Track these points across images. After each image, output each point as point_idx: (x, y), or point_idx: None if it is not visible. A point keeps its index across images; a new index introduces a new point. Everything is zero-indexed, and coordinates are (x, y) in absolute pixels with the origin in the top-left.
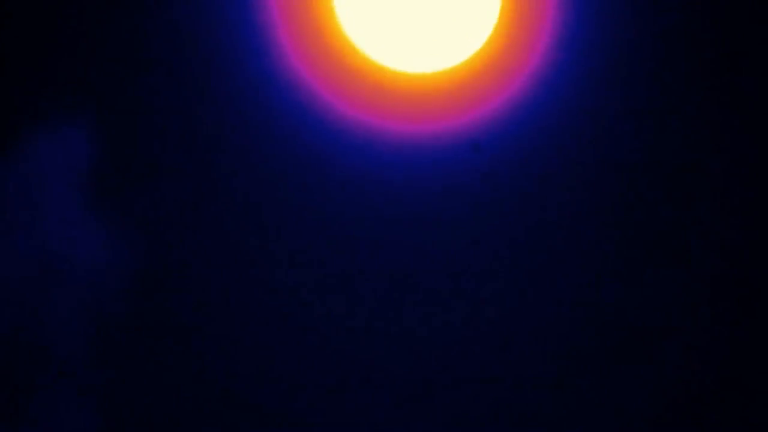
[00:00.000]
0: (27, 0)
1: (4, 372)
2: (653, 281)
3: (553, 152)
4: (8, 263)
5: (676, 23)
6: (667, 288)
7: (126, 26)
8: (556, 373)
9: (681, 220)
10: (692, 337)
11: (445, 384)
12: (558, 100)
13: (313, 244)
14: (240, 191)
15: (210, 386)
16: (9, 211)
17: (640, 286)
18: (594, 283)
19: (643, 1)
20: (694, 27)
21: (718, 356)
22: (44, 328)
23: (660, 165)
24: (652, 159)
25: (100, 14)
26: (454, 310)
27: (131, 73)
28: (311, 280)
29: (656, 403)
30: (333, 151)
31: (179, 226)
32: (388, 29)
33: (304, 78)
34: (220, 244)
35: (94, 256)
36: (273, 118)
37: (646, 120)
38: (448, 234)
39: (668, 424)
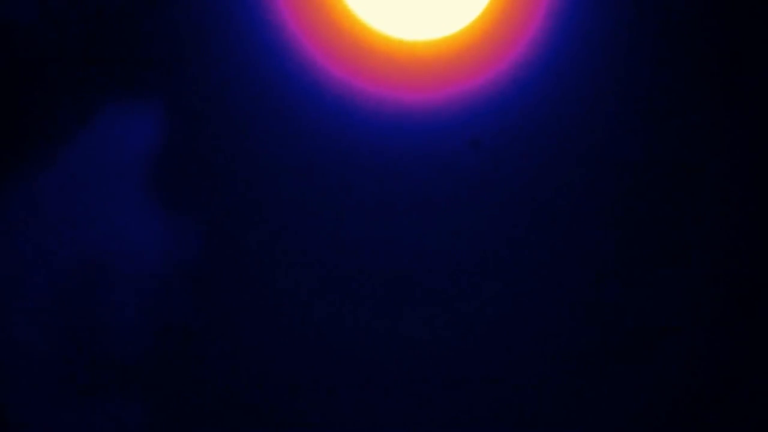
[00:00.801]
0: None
1: (63, 371)
2: (656, 277)
3: (554, 119)
4: (63, 260)
5: None
6: (669, 286)
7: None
8: (558, 374)
9: (682, 206)
10: (694, 337)
11: (444, 384)
12: (558, 66)
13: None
14: (246, 161)
15: (269, 387)
16: (63, 210)
17: (645, 283)
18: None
19: None
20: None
21: (719, 356)
22: (102, 325)
23: (663, 136)
24: (656, 127)
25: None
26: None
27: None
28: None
29: (658, 404)
30: (330, 117)
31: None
32: None
33: (301, 46)
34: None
35: (151, 254)
36: (270, 86)
37: (650, 89)
38: (447, 204)
39: (670, 424)
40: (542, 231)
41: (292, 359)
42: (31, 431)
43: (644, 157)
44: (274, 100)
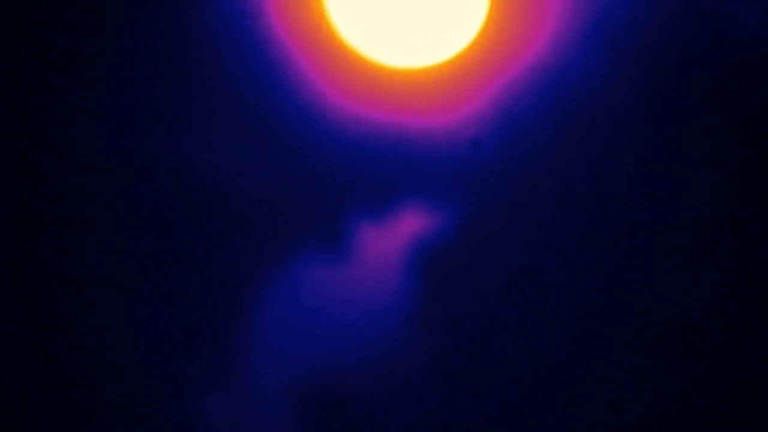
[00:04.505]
0: None
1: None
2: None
3: (545, 143)
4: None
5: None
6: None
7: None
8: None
9: (683, 219)
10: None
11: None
12: (551, 91)
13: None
14: (229, 189)
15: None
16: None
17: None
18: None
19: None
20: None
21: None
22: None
23: (661, 165)
24: (652, 156)
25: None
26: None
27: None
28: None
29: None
30: (321, 145)
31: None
32: (378, 24)
33: (295, 72)
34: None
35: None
36: (262, 116)
37: (642, 119)
38: (444, 225)
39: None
40: (535, 229)
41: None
42: None
43: (644, 156)
44: (262, 128)
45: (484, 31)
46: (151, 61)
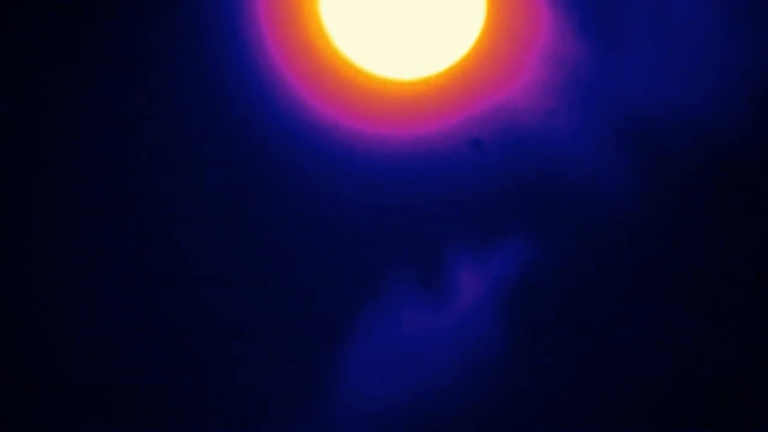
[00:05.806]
0: None
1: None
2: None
3: (544, 155)
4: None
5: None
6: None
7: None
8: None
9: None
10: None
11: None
12: (548, 102)
13: (311, 249)
14: (226, 207)
15: None
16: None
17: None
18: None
19: (637, 12)
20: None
21: None
22: None
23: (664, 174)
24: (655, 167)
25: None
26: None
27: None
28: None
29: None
30: (318, 158)
31: None
32: (374, 35)
33: (290, 84)
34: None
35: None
36: (258, 127)
37: (645, 127)
38: (438, 238)
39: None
40: (534, 242)
41: None
42: None
43: (646, 166)
44: (259, 141)
45: (481, 42)
46: (144, 72)
